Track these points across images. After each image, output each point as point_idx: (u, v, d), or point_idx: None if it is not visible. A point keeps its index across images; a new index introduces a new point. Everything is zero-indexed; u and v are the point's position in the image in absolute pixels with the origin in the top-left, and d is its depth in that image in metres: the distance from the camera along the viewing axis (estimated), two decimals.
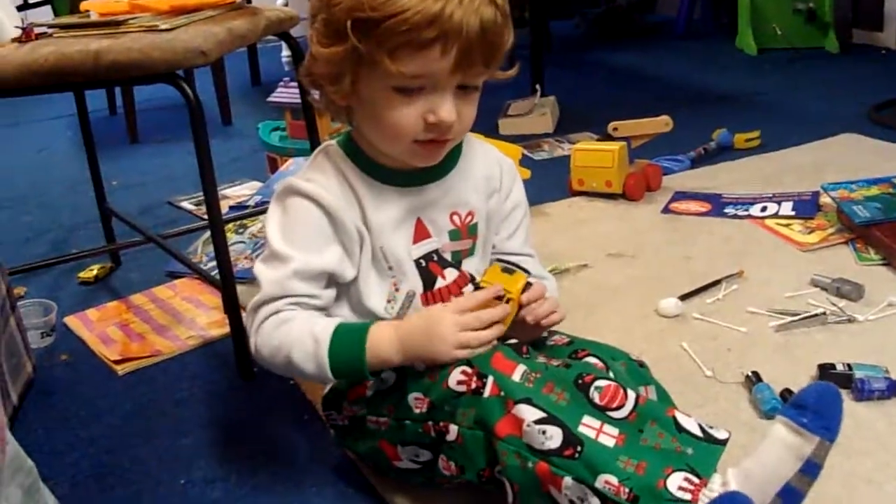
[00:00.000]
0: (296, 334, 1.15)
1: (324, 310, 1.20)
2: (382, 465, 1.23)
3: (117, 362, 1.71)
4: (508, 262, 1.26)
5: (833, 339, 1.58)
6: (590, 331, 1.34)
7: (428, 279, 1.23)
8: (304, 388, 1.54)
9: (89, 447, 1.46)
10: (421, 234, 1.23)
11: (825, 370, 1.43)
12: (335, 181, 1.19)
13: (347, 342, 1.14)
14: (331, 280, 1.19)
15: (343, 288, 1.21)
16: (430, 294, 1.23)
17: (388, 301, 1.22)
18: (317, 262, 1.16)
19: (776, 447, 1.00)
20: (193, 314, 1.90)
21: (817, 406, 0.99)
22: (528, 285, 1.21)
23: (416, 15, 1.02)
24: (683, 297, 1.74)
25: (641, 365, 1.24)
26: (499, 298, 1.18)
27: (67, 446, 1.46)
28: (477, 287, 1.22)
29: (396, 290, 1.22)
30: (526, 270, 1.26)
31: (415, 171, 1.20)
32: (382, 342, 1.14)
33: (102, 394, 1.62)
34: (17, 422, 1.53)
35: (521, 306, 1.20)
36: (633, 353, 1.26)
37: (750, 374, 1.44)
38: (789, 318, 1.63)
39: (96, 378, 1.67)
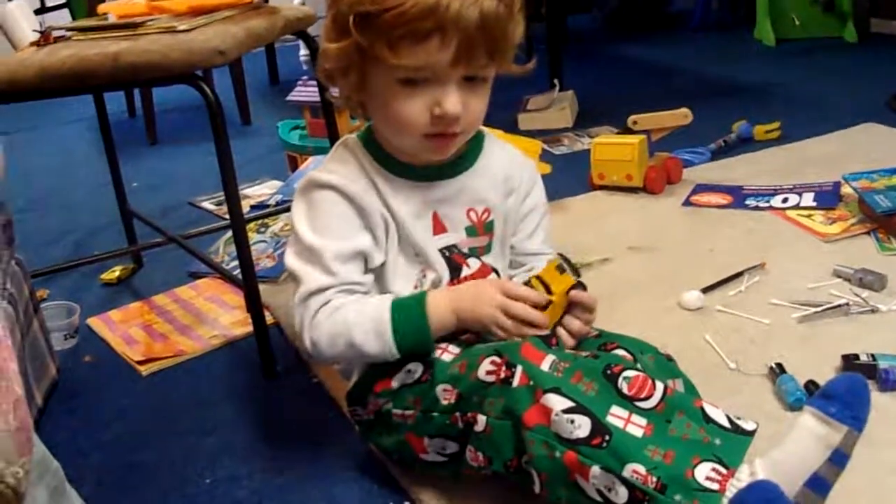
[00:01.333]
0: (353, 318, 1.16)
1: (367, 294, 1.21)
2: (408, 458, 1.23)
3: (141, 363, 1.71)
4: (567, 260, 1.24)
5: (856, 329, 1.57)
6: (613, 324, 1.33)
7: (454, 268, 1.24)
8: (329, 385, 1.54)
9: (114, 447, 1.47)
10: (438, 228, 1.24)
11: (849, 361, 1.42)
12: (356, 171, 1.20)
13: (408, 314, 1.16)
14: (366, 263, 1.20)
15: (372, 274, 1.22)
16: (457, 282, 1.24)
17: (415, 287, 1.23)
18: (351, 245, 1.17)
19: (804, 437, 1.00)
20: (216, 314, 1.90)
21: (846, 396, 0.99)
22: (580, 285, 1.22)
23: (413, 7, 1.03)
24: (706, 290, 1.73)
25: (669, 359, 1.23)
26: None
27: (92, 447, 1.47)
28: (526, 283, 1.22)
29: (424, 276, 1.23)
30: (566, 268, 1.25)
31: (429, 166, 1.21)
32: (439, 308, 1.16)
33: (126, 394, 1.63)
34: (41, 423, 1.54)
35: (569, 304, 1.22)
36: (658, 346, 1.26)
37: (773, 365, 1.43)
38: (812, 310, 1.62)
39: (120, 379, 1.68)
